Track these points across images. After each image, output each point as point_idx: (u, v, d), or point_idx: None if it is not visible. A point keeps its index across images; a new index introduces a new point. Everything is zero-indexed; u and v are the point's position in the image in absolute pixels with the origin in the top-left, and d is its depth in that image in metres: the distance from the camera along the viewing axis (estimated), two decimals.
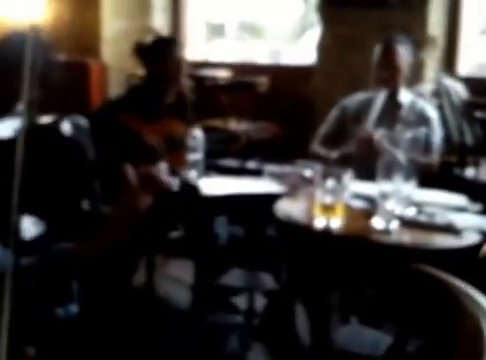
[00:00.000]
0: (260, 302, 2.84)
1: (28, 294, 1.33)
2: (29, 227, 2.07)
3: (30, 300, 1.35)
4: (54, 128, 2.11)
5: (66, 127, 2.52)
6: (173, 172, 2.55)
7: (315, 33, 4.28)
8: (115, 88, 4.61)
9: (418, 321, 1.33)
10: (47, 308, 1.50)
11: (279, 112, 4.15)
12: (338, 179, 1.98)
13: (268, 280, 2.85)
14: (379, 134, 2.76)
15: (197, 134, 2.73)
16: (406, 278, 1.34)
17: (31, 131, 1.66)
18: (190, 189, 2.53)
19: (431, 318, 1.23)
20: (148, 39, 3.28)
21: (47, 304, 1.49)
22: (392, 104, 3.07)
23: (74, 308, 1.70)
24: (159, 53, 3.16)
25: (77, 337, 1.58)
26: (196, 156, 2.71)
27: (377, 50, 3.08)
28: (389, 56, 3.04)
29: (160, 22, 5.02)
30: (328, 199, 1.97)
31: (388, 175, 2.00)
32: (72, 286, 1.54)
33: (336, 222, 1.96)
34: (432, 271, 1.21)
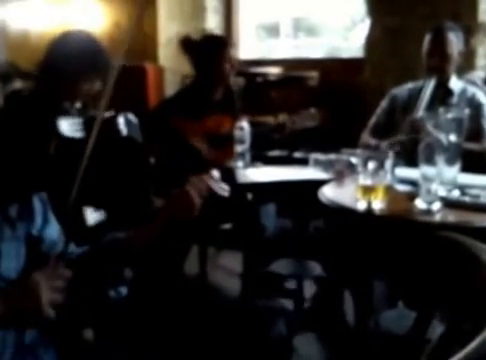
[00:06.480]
0: (309, 289, 2.87)
1: (84, 278, 1.41)
2: (90, 216, 2.17)
3: (86, 283, 1.43)
4: (111, 122, 2.22)
5: (121, 122, 2.63)
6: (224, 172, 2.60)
7: (366, 26, 4.25)
8: (171, 89, 4.71)
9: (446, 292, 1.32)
10: (101, 290, 1.59)
11: (330, 106, 4.13)
12: (380, 162, 1.98)
13: (316, 268, 2.86)
14: (420, 115, 2.73)
15: (244, 126, 2.77)
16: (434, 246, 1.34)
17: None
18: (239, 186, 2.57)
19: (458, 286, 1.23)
20: (196, 36, 3.30)
21: (101, 286, 1.56)
22: (442, 92, 3.03)
23: (124, 290, 1.79)
24: (207, 51, 3.19)
25: (129, 318, 1.66)
26: (243, 147, 2.75)
27: (427, 38, 3.03)
28: (439, 43, 3.00)
29: (213, 24, 5.09)
30: (369, 181, 1.98)
31: (430, 158, 1.98)
32: (124, 270, 1.61)
33: (378, 203, 1.96)
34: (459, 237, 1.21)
